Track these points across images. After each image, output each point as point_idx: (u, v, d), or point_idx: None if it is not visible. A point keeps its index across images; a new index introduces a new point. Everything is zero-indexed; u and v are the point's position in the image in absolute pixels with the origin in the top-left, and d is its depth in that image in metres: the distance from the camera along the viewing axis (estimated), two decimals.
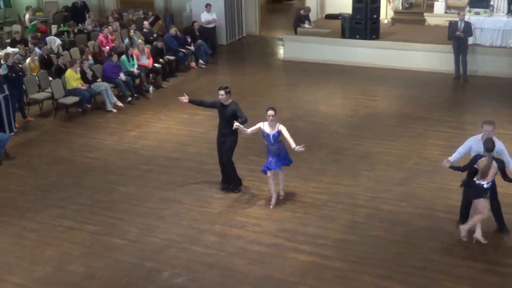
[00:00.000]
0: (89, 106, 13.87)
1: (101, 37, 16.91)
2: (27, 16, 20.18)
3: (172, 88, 15.72)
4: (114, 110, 13.83)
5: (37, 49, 15.05)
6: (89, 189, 10.04)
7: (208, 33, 18.73)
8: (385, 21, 19.17)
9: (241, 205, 9.34)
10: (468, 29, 15.24)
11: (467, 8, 16.65)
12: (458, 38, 15.14)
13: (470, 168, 7.84)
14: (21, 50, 15.09)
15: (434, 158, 10.72)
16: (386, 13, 19.56)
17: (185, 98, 9.68)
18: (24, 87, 13.34)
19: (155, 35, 17.80)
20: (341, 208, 9.18)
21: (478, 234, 8.01)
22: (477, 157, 7.74)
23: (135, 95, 14.70)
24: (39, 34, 17.89)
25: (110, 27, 17.55)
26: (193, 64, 17.54)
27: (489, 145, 7.61)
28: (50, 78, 13.90)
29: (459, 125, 12.53)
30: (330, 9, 20.95)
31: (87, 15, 19.79)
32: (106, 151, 11.63)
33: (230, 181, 9.75)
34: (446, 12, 19.08)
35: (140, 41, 16.05)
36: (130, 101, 14.35)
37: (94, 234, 8.63)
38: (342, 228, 8.61)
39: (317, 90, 15.15)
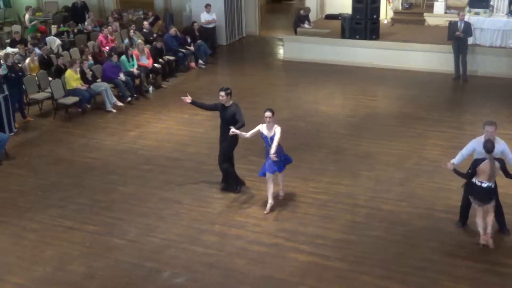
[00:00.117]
0: (89, 106, 13.87)
1: (101, 37, 16.91)
2: (27, 16, 20.18)
3: (171, 88, 15.72)
4: (114, 110, 13.83)
5: (36, 49, 15.05)
6: (89, 189, 10.04)
7: (208, 33, 18.73)
8: (385, 21, 19.18)
9: (241, 205, 9.34)
10: (468, 29, 15.25)
11: (467, 8, 16.66)
12: (458, 38, 15.15)
13: (473, 174, 7.83)
14: (21, 50, 15.09)
15: (434, 158, 10.73)
16: (386, 13, 19.56)
17: (188, 99, 9.68)
18: (24, 87, 13.34)
19: (155, 35, 17.80)
20: (341, 208, 9.18)
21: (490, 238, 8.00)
22: (478, 161, 7.74)
23: (135, 95, 14.70)
24: (38, 34, 17.90)
25: (110, 27, 17.55)
26: (192, 64, 17.54)
27: (489, 146, 7.62)
28: (50, 78, 13.90)
29: (459, 125, 12.54)
30: (330, 9, 20.95)
31: (87, 15, 19.79)
32: (106, 151, 11.63)
33: (232, 182, 9.75)
34: (446, 12, 19.08)
35: (140, 41, 16.06)
36: (130, 101, 14.35)
37: (94, 234, 8.63)
38: (342, 228, 8.61)
39: (317, 90, 15.15)
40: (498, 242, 8.04)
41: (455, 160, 8.15)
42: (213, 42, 19.09)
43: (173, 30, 17.23)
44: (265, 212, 9.03)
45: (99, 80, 14.23)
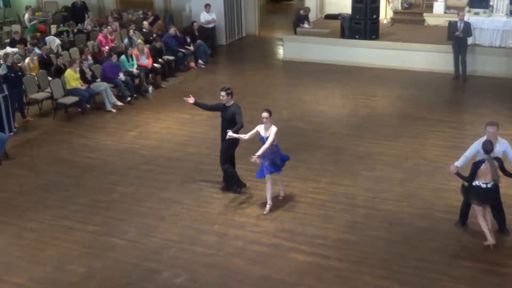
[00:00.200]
0: (88, 106, 13.86)
1: (100, 37, 16.91)
2: (26, 16, 20.18)
3: (171, 88, 15.72)
4: (114, 110, 13.83)
5: (36, 49, 15.05)
6: (89, 189, 10.04)
7: (207, 33, 18.73)
8: (385, 21, 19.18)
9: (240, 205, 9.33)
10: (468, 29, 15.25)
11: (467, 8, 16.66)
12: (458, 38, 15.15)
13: (474, 177, 7.83)
14: (20, 50, 15.09)
15: (434, 158, 10.74)
16: (385, 13, 19.57)
17: (190, 100, 9.67)
18: (23, 87, 13.33)
19: (154, 35, 17.80)
20: (341, 208, 9.18)
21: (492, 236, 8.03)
22: (478, 164, 7.75)
23: (135, 95, 14.69)
24: (38, 34, 17.91)
25: (109, 27, 17.55)
26: (192, 64, 17.54)
27: (488, 147, 7.66)
28: (50, 78, 13.89)
29: (459, 125, 12.54)
30: (330, 9, 20.96)
31: (86, 15, 19.79)
32: (105, 151, 11.63)
33: (233, 183, 9.74)
34: (445, 12, 19.09)
35: (139, 41, 16.05)
36: (129, 101, 14.34)
37: (93, 234, 8.63)
38: (342, 228, 8.61)
39: (316, 90, 15.15)
40: (498, 242, 8.03)
41: (458, 163, 8.13)
42: (213, 42, 19.09)
43: (172, 30, 17.23)
44: (264, 212, 9.02)
45: (98, 80, 14.23)
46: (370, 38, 17.09)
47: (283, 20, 24.22)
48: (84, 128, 12.89)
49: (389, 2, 19.82)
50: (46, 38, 17.06)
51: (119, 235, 8.58)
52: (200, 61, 17.65)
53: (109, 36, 17.04)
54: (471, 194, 7.92)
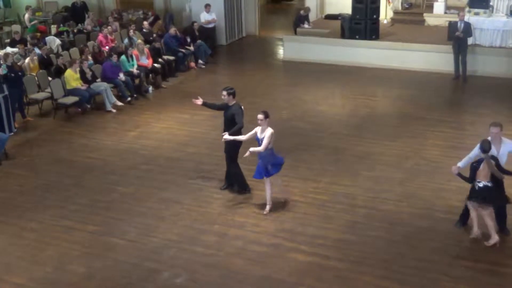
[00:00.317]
0: (88, 106, 13.86)
1: (100, 37, 16.91)
2: (26, 16, 20.18)
3: (171, 88, 15.72)
4: (114, 110, 13.83)
5: (36, 49, 15.05)
6: (89, 189, 10.04)
7: (207, 33, 18.73)
8: (385, 22, 19.18)
9: (240, 206, 9.33)
10: (468, 29, 15.25)
11: (467, 9, 16.66)
12: (458, 38, 15.15)
13: (474, 177, 7.84)
14: (20, 50, 15.09)
15: (434, 158, 10.74)
16: (385, 14, 19.57)
17: (199, 101, 9.67)
18: (23, 87, 13.34)
19: (154, 35, 17.79)
20: (341, 208, 9.18)
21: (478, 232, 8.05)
22: (478, 165, 7.75)
23: (135, 95, 14.69)
24: (38, 34, 17.90)
25: (109, 27, 17.55)
26: (192, 64, 17.54)
27: (485, 146, 7.70)
28: (50, 78, 13.89)
29: (459, 125, 12.54)
30: (330, 9, 20.95)
31: (86, 15, 19.78)
32: (105, 151, 11.63)
33: (237, 184, 9.72)
34: (445, 13, 19.08)
35: (139, 41, 16.05)
36: (129, 101, 14.34)
37: (93, 234, 8.63)
38: (342, 228, 8.61)
39: (316, 90, 15.15)
40: (498, 245, 8.03)
41: (461, 164, 8.14)
42: (213, 42, 19.09)
43: (173, 30, 17.23)
44: (264, 212, 9.02)
45: (98, 80, 14.23)
46: (370, 38, 17.09)
47: (283, 20, 24.22)
48: (84, 128, 12.89)
49: (389, 2, 19.82)
50: (46, 38, 17.06)
51: (119, 235, 8.58)
52: (200, 61, 17.65)
53: (109, 36, 17.04)
54: (476, 195, 7.87)
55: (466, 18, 15.51)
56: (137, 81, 15.17)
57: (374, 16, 17.14)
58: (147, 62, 15.44)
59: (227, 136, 9.01)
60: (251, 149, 8.76)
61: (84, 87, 13.63)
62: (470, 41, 15.66)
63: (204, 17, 18.73)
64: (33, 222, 9.02)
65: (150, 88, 15.33)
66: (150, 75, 15.75)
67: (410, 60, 16.46)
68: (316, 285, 7.40)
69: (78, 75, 13.64)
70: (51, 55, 15.13)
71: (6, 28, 20.33)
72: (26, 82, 13.41)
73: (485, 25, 16.11)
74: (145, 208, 9.35)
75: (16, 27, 19.61)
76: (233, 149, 9.43)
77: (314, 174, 10.35)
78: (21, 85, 13.13)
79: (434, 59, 16.23)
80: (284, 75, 17.40)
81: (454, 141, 11.42)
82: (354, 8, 17.18)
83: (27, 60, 14.36)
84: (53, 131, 12.81)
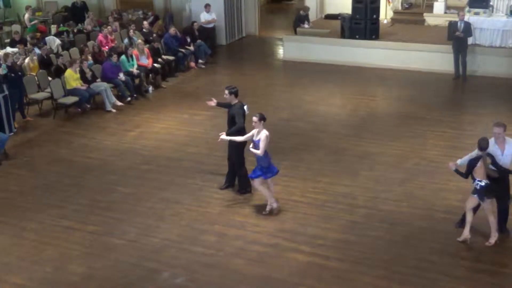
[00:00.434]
0: (88, 106, 13.86)
1: (100, 37, 16.90)
2: (26, 16, 20.16)
3: (171, 88, 15.72)
4: (114, 110, 13.83)
5: (36, 49, 15.04)
6: (89, 189, 10.04)
7: (207, 33, 18.72)
8: (385, 21, 19.18)
9: (240, 206, 9.33)
10: (468, 29, 15.25)
11: (467, 8, 16.65)
12: (458, 38, 15.15)
13: (469, 172, 7.84)
14: (20, 50, 15.08)
15: (434, 158, 10.74)
16: (385, 13, 19.56)
17: (212, 102, 9.65)
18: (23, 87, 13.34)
19: (154, 35, 17.78)
20: (341, 208, 9.18)
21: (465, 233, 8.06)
22: (476, 162, 7.75)
23: (135, 95, 14.69)
24: (38, 34, 17.89)
25: (109, 27, 17.53)
26: (192, 64, 17.53)
27: (483, 144, 7.71)
28: (50, 78, 13.89)
29: (459, 125, 12.54)
30: (330, 9, 20.95)
31: (86, 15, 19.77)
32: (105, 151, 11.63)
33: (239, 184, 9.71)
34: (445, 12, 19.08)
35: (139, 41, 16.04)
36: (129, 101, 14.34)
37: (93, 234, 8.63)
38: (342, 228, 8.61)
39: (316, 90, 15.15)
40: (498, 242, 8.03)
41: (459, 161, 8.15)
42: (213, 42, 19.09)
43: (172, 30, 17.22)
44: (264, 213, 9.02)
45: (98, 80, 14.23)
46: (370, 38, 17.08)
47: (283, 20, 24.22)
48: (84, 128, 12.89)
49: (389, 2, 19.81)
50: (46, 38, 17.05)
51: (119, 235, 8.58)
52: (200, 61, 17.64)
53: (109, 36, 17.03)
54: (485, 193, 7.85)
55: (466, 18, 15.51)
56: (137, 81, 15.16)
57: (374, 16, 17.14)
58: (147, 62, 15.44)
59: (224, 136, 9.03)
60: (251, 148, 8.77)
61: (84, 87, 13.63)
62: (470, 41, 15.66)
63: (204, 17, 18.73)
64: (33, 222, 9.02)
65: (150, 88, 15.33)
66: (150, 75, 15.75)
67: (410, 60, 16.46)
68: (316, 285, 7.40)
69: (78, 75, 13.64)
70: (51, 55, 15.12)
71: (6, 28, 20.32)
72: (26, 82, 13.41)
73: (485, 25, 16.11)
74: (145, 208, 9.35)
75: (16, 27, 19.59)
76: (236, 153, 9.37)
77: (314, 174, 10.35)
78: (21, 85, 13.12)
79: (434, 59, 16.22)
80: (284, 75, 17.40)
81: (454, 141, 11.42)
82: (354, 8, 17.17)
83: (26, 60, 14.35)
84: (53, 131, 12.81)
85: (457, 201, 8.95)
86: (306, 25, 19.25)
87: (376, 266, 7.68)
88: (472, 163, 7.79)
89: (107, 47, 16.42)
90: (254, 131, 8.83)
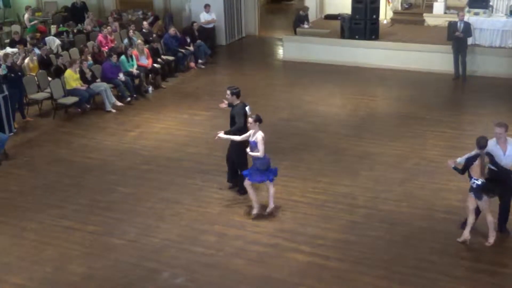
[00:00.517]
0: (88, 106, 13.86)
1: (100, 37, 16.90)
2: (26, 16, 20.16)
3: (171, 88, 15.72)
4: (114, 111, 13.82)
5: (36, 50, 15.04)
6: (89, 189, 10.04)
7: (207, 33, 18.72)
8: (385, 22, 19.18)
9: (240, 206, 9.32)
10: (468, 29, 15.26)
11: (466, 9, 16.65)
12: (458, 38, 15.16)
13: (466, 169, 7.85)
14: (20, 50, 15.08)
15: (434, 158, 10.74)
16: (385, 14, 19.57)
17: (224, 104, 9.65)
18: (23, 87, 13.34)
19: (154, 35, 17.78)
20: (341, 208, 9.18)
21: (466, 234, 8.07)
22: (473, 160, 7.75)
23: (134, 96, 14.69)
24: (38, 34, 17.88)
25: (109, 27, 17.53)
26: (192, 64, 17.53)
27: (481, 142, 7.71)
28: (49, 78, 13.89)
29: (459, 125, 12.55)
30: (330, 9, 20.95)
31: (86, 15, 19.77)
32: (105, 151, 11.63)
33: (239, 184, 9.69)
34: (445, 13, 19.10)
35: (139, 41, 16.05)
36: (129, 102, 14.34)
37: (93, 234, 8.63)
38: (342, 229, 8.61)
39: (316, 90, 15.15)
40: (498, 242, 8.04)
41: (459, 159, 8.15)
42: (213, 42, 19.09)
43: (172, 30, 17.22)
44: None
45: (98, 80, 14.23)
46: (370, 38, 17.09)
47: (283, 20, 24.22)
48: (84, 128, 12.89)
49: (389, 2, 19.82)
50: (46, 39, 17.05)
51: (119, 235, 8.58)
52: (200, 61, 17.64)
53: (109, 37, 17.03)
54: (482, 192, 7.84)
55: (465, 18, 15.52)
56: (136, 81, 15.17)
57: (374, 16, 17.15)
58: (146, 62, 15.44)
59: (221, 135, 9.03)
60: (250, 153, 8.75)
61: (83, 87, 13.63)
62: (469, 41, 15.66)
63: (204, 17, 18.73)
64: (33, 222, 9.02)
65: (150, 88, 15.33)
66: (150, 75, 15.75)
67: (409, 60, 16.46)
68: (316, 285, 7.40)
69: (77, 75, 13.64)
70: (50, 55, 15.11)
71: (6, 28, 20.31)
72: (26, 82, 13.41)
73: (484, 25, 16.12)
74: (145, 208, 9.35)
75: (16, 28, 19.59)
76: (238, 153, 9.34)
77: (314, 174, 10.35)
78: (21, 86, 13.12)
79: (434, 59, 16.22)
80: (284, 75, 17.40)
81: (454, 141, 11.43)
82: (354, 8, 17.18)
83: (26, 60, 14.35)
84: (53, 131, 12.81)
85: (457, 201, 8.96)
86: (305, 25, 19.25)
87: (376, 266, 7.69)
88: (469, 160, 7.79)
89: (107, 47, 16.42)
90: (251, 132, 8.83)
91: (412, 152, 11.11)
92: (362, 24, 17.07)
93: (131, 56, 15.14)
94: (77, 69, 13.69)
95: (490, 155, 7.79)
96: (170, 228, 8.75)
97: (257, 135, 8.65)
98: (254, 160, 8.82)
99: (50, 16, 21.26)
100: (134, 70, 14.98)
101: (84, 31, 18.55)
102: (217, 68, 18.09)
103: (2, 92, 11.99)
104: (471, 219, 7.97)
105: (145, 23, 18.55)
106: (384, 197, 9.45)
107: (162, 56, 16.50)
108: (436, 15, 19.20)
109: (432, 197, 9.41)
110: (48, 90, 13.62)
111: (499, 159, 7.85)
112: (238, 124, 9.13)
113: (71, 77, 13.48)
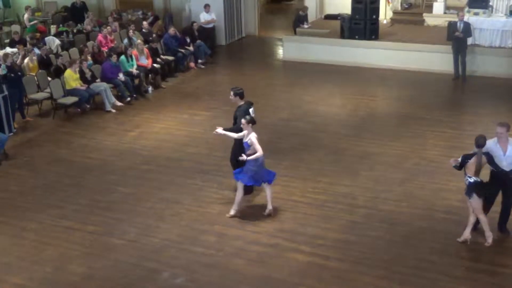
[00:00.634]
0: (88, 106, 13.86)
1: (100, 37, 16.89)
2: (26, 16, 20.14)
3: (171, 88, 15.72)
4: (113, 111, 13.82)
5: (35, 49, 15.03)
6: (89, 189, 10.03)
7: (207, 33, 18.72)
8: (384, 22, 19.18)
9: (240, 206, 9.32)
10: (467, 29, 15.26)
11: (466, 9, 16.66)
12: (457, 38, 15.16)
13: (462, 166, 7.86)
14: (20, 50, 15.07)
15: (434, 158, 10.74)
16: (385, 14, 19.57)
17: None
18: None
19: (154, 35, 17.78)
20: (341, 208, 9.18)
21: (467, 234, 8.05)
22: (470, 157, 7.76)
23: (134, 96, 14.68)
24: (37, 34, 17.87)
25: (109, 27, 17.52)
26: (192, 64, 17.52)
27: (480, 141, 7.72)
28: (49, 78, 13.89)
29: (459, 125, 12.54)
30: (330, 9, 20.95)
31: (86, 15, 19.76)
32: (105, 151, 11.63)
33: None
34: (445, 13, 19.09)
35: (139, 41, 16.04)
36: (129, 102, 14.34)
37: (93, 234, 8.63)
38: (341, 229, 8.62)
39: (316, 90, 15.15)
40: (498, 242, 8.04)
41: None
42: (213, 42, 19.08)
43: (172, 30, 17.22)
44: (264, 213, 9.00)
45: (98, 80, 14.22)
46: (370, 39, 17.09)
47: (282, 20, 24.20)
48: (84, 128, 12.89)
49: (388, 2, 19.82)
50: (46, 39, 17.03)
51: (119, 235, 8.58)
52: (199, 61, 17.63)
53: (108, 37, 17.02)
54: (473, 191, 7.84)
55: (465, 18, 15.51)
56: (136, 81, 15.16)
57: (374, 16, 17.15)
58: (146, 62, 15.43)
59: (219, 130, 9.04)
60: (249, 158, 8.61)
61: (83, 87, 13.63)
62: (469, 41, 15.66)
63: (204, 17, 18.72)
64: (33, 222, 9.02)
65: (150, 88, 15.32)
66: (150, 75, 15.74)
67: (409, 60, 16.46)
68: (315, 285, 7.40)
69: (77, 75, 13.64)
70: (50, 55, 15.10)
71: (6, 28, 20.31)
72: (26, 82, 13.41)
73: (484, 25, 16.12)
74: (145, 208, 9.35)
75: (16, 27, 19.58)
76: (240, 153, 9.31)
77: (314, 174, 10.35)
78: (20, 86, 13.12)
79: (434, 59, 16.22)
80: (284, 75, 17.40)
81: (454, 141, 11.42)
82: (353, 8, 17.17)
83: (26, 60, 14.35)
84: (53, 131, 12.80)
85: (457, 201, 8.95)
86: (305, 25, 19.25)
87: (376, 266, 7.69)
88: (466, 158, 7.80)
89: (106, 47, 16.41)
90: (244, 132, 8.83)
91: (412, 152, 11.12)
92: (362, 24, 17.06)
93: (131, 56, 15.13)
94: (77, 69, 13.69)
95: (488, 155, 7.78)
96: (170, 228, 8.74)
97: (250, 137, 8.65)
98: (247, 162, 8.74)
99: (50, 16, 21.24)
100: (134, 70, 14.98)
101: (84, 31, 18.55)
102: (217, 68, 18.09)
103: (2, 92, 11.99)
104: (471, 220, 7.98)
105: (145, 23, 18.54)
106: (384, 197, 9.45)
107: (162, 56, 16.50)
108: (436, 15, 19.20)
109: (432, 197, 9.41)
110: (48, 90, 13.61)
111: (499, 159, 7.84)
112: (238, 124, 9.13)
113: (71, 77, 13.48)
